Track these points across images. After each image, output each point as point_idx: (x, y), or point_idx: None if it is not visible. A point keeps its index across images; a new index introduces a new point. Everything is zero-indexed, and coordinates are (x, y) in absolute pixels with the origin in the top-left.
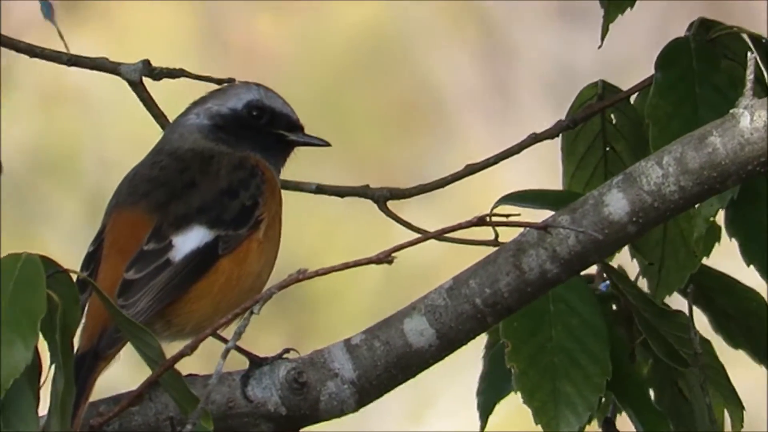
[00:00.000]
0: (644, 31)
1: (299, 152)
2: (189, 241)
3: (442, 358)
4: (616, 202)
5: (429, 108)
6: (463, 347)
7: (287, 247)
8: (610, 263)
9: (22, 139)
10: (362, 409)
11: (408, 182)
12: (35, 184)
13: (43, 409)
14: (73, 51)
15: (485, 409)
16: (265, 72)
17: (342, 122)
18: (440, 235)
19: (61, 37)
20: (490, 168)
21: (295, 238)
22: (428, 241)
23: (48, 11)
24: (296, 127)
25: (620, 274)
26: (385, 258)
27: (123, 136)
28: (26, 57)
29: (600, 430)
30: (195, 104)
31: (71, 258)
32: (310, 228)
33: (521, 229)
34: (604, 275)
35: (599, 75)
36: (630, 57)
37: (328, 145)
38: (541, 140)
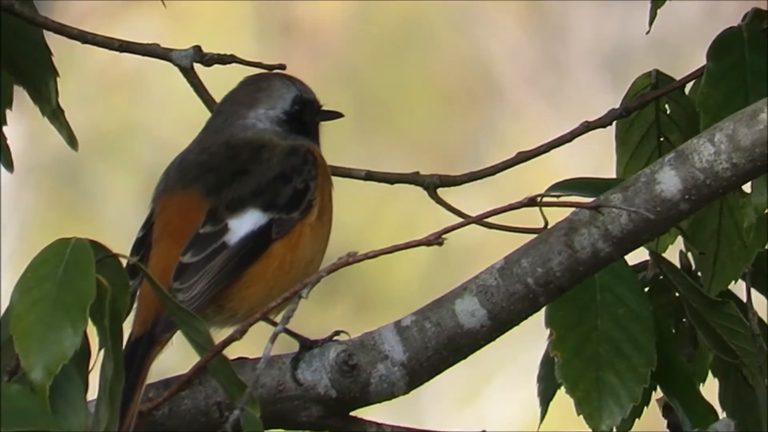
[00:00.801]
0: (699, 6)
1: (349, 134)
2: (244, 224)
3: (493, 339)
4: (669, 180)
5: (483, 86)
6: (518, 328)
7: (336, 229)
8: (664, 254)
9: (79, 122)
10: (414, 390)
11: (461, 161)
12: (90, 167)
13: (92, 394)
14: (127, 36)
15: (546, 396)
16: (318, 53)
17: (397, 101)
18: (490, 217)
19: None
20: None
21: (344, 221)
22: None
23: None
24: (319, 107)
25: (670, 264)
26: (435, 240)
27: (178, 120)
28: (83, 45)
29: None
30: (235, 103)
31: (126, 240)
32: (360, 211)
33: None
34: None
35: (654, 52)
36: (684, 32)
37: (341, 116)
38: (593, 128)
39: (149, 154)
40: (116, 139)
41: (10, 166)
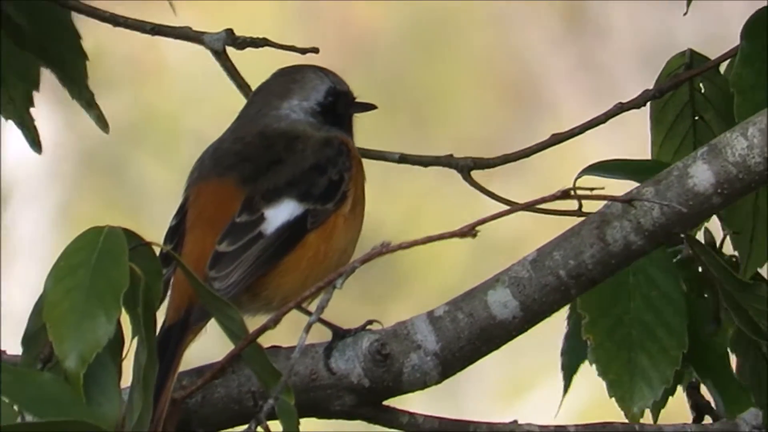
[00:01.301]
0: (743, 7)
1: (384, 128)
2: (280, 214)
3: (525, 330)
4: (701, 174)
5: (522, 84)
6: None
7: (374, 218)
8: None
9: (116, 111)
10: (453, 386)
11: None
12: (123, 156)
13: (125, 382)
14: (162, 23)
15: (569, 370)
16: (357, 45)
17: (434, 97)
18: (523, 209)
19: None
20: (578, 139)
21: (381, 210)
22: (512, 213)
23: None
24: (353, 99)
25: (702, 245)
26: (469, 232)
27: (215, 108)
28: (120, 32)
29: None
30: (268, 94)
31: (158, 226)
32: (397, 199)
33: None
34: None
35: (695, 48)
36: (727, 33)
37: (375, 107)
38: (627, 109)
39: (181, 143)
40: (147, 128)
41: (38, 146)
